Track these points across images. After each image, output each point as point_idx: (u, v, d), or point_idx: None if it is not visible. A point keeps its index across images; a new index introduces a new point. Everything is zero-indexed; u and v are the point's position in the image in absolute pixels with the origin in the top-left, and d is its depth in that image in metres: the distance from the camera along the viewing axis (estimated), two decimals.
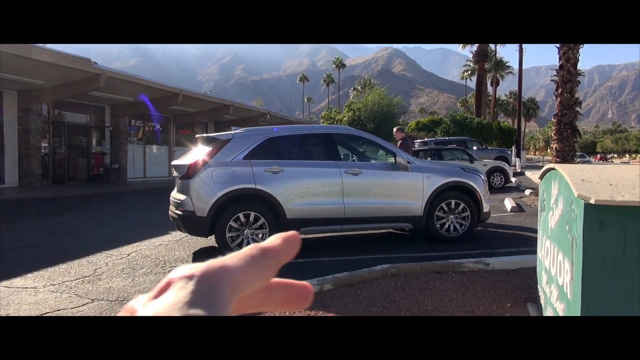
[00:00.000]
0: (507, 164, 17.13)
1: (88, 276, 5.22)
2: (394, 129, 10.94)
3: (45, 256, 6.16)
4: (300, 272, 5.30)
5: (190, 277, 0.28)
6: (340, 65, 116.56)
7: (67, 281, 5.02)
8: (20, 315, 4.00)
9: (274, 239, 0.35)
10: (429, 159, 14.79)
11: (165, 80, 28.25)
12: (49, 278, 5.13)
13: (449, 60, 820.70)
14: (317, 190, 6.49)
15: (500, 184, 15.99)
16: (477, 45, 45.85)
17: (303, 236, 7.10)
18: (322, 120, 49.55)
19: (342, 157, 7.19)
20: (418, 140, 21.37)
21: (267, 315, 2.44)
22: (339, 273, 4.87)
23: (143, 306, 0.28)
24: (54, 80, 14.99)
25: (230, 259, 0.32)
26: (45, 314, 4.05)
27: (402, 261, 5.46)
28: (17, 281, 4.98)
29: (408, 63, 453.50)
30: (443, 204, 6.81)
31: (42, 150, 17.09)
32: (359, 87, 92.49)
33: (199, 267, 0.29)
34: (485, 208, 6.96)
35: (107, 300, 4.42)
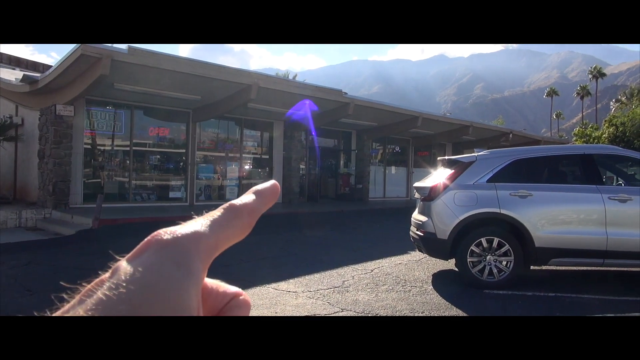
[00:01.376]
0: None
1: (338, 287, 5.73)
2: None
3: (303, 265, 7.02)
4: (551, 309, 4.77)
5: (164, 243, 0.30)
6: (598, 74, 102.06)
7: (321, 289, 5.61)
8: (285, 315, 4.63)
9: (249, 194, 0.36)
10: None
11: (404, 104, 29.39)
12: (306, 285, 5.81)
13: None
14: (573, 218, 5.78)
15: None
16: None
17: (556, 268, 6.40)
18: (574, 138, 44.32)
19: (603, 180, 6.28)
20: None
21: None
22: (602, 315, 4.20)
23: (126, 261, 0.30)
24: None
25: (202, 221, 0.33)
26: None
27: None
28: (282, 285, 5.79)
29: None
30: None
31: (300, 172, 19.66)
32: (623, 99, 79.53)
33: (173, 231, 0.31)
34: None
35: (354, 312, 4.76)
